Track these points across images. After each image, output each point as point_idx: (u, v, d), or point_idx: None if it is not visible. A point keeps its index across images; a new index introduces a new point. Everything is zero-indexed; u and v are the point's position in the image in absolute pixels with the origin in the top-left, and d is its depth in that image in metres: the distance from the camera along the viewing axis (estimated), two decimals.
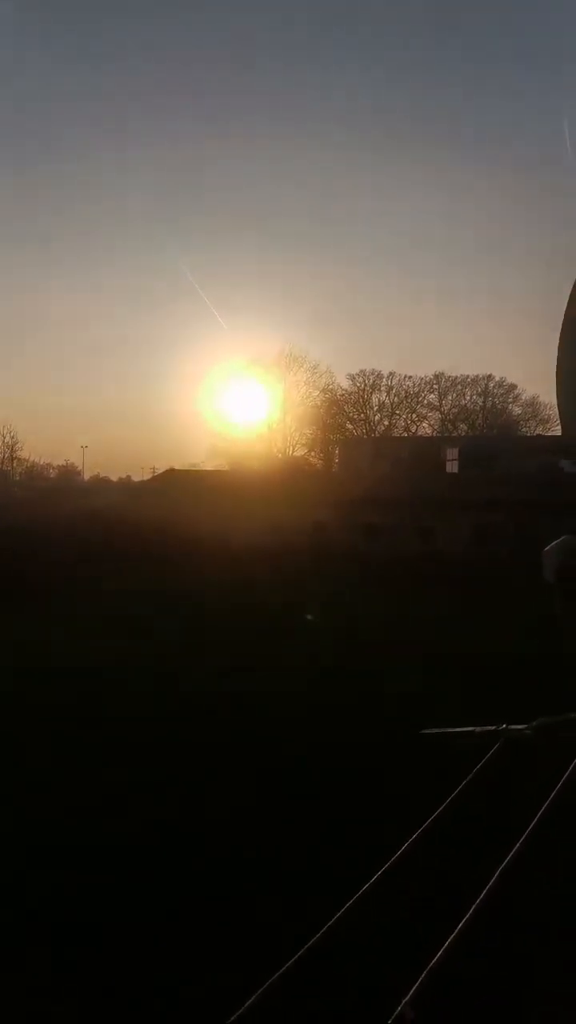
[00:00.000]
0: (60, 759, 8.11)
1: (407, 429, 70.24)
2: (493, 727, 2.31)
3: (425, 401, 71.44)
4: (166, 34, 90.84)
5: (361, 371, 69.70)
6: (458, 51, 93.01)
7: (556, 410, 54.43)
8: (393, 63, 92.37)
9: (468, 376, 70.75)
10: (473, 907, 1.51)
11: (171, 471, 60.48)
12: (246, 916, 4.97)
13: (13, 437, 68.10)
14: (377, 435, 67.09)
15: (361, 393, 70.17)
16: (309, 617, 16.76)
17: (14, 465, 70.83)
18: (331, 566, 28.10)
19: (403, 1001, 1.18)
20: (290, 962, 1.42)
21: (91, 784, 7.38)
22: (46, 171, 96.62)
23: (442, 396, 71.69)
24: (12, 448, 68.48)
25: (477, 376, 70.66)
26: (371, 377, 69.59)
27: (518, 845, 1.72)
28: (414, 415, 71.35)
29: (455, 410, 71.42)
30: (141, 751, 8.44)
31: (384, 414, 70.94)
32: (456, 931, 1.40)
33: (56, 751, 8.42)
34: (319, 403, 67.05)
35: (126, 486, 77.99)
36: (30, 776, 7.70)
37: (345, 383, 69.60)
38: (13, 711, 10.12)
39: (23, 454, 71.37)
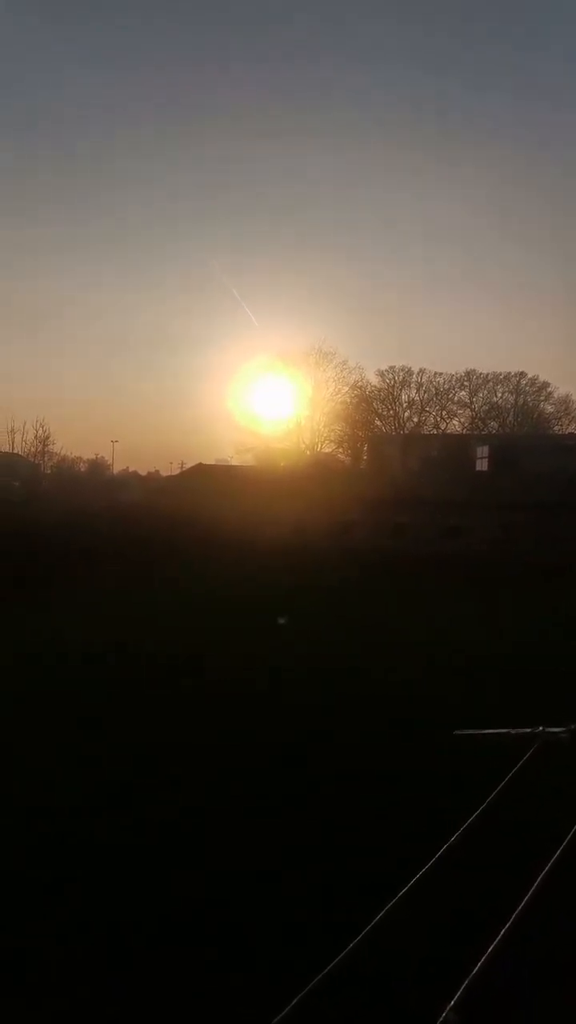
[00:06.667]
0: (61, 758, 7.97)
1: (437, 426, 69.70)
2: (529, 729, 2.27)
3: (456, 398, 70.76)
4: (178, 34, 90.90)
5: (391, 367, 69.24)
6: (477, 41, 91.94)
7: None
8: (421, 53, 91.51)
9: (500, 373, 69.95)
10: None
11: (199, 466, 60.83)
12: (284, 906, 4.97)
13: (45, 431, 68.78)
14: (406, 432, 66.70)
15: (391, 389, 69.72)
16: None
17: (45, 459, 71.55)
18: (356, 564, 28.00)
19: (447, 1007, 1.17)
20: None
21: (93, 781, 7.29)
22: (77, 170, 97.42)
23: (473, 393, 70.95)
24: (44, 442, 69.16)
25: (509, 373, 69.84)
26: (401, 373, 69.09)
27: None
28: (444, 412, 70.75)
29: (486, 407, 70.67)
30: (142, 749, 8.34)
31: (414, 411, 70.47)
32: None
33: (56, 750, 8.27)
34: (348, 399, 66.82)
35: (154, 480, 78.65)
36: (28, 775, 7.61)
37: (374, 379, 69.26)
38: (15, 706, 10.04)
39: (55, 447, 72.08)
